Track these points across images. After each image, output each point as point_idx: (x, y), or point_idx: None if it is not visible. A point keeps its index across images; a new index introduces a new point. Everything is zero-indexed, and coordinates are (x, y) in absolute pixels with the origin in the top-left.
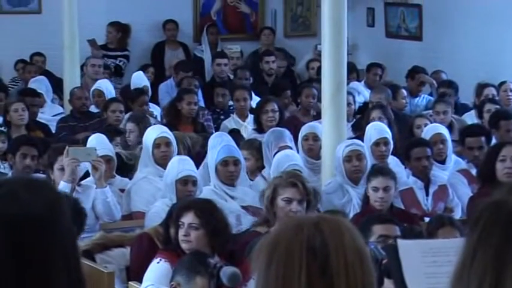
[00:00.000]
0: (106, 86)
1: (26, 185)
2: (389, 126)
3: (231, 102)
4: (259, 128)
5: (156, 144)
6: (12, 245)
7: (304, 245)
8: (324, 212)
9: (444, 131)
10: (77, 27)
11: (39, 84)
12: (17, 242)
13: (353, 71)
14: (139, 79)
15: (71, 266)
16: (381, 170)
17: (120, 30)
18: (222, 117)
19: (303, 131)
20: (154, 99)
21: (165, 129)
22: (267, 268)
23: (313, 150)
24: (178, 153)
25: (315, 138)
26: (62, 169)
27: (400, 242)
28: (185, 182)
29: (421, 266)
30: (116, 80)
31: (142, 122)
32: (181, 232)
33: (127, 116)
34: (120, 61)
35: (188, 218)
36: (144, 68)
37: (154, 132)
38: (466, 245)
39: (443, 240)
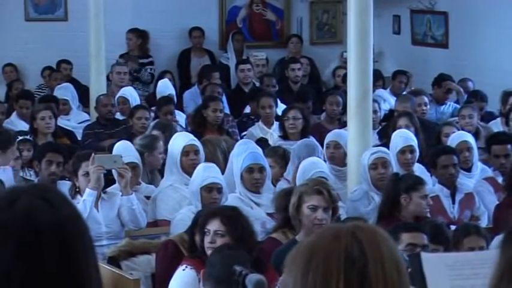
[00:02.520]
0: (131, 93)
1: (44, 189)
2: (416, 134)
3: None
4: (285, 135)
5: (185, 152)
6: (59, 246)
7: (342, 254)
8: (345, 219)
9: (470, 138)
10: (103, 35)
11: (65, 91)
12: (63, 242)
13: (379, 79)
14: (165, 87)
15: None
16: None
17: (140, 37)
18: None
19: (326, 139)
20: (179, 107)
21: (193, 136)
22: (304, 277)
23: (335, 158)
24: (216, 158)
25: (336, 146)
26: (86, 175)
27: (424, 255)
28: (210, 190)
29: (446, 279)
30: (144, 88)
31: (168, 130)
32: (207, 239)
33: (153, 123)
34: (150, 69)
35: (214, 225)
36: (162, 75)
37: (182, 139)
38: (503, 257)
39: (468, 253)
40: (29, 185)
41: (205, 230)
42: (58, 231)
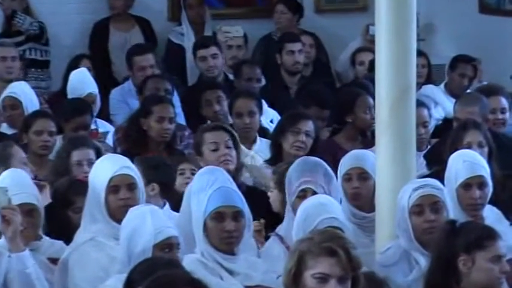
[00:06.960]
0: (24, 91)
1: None
2: (489, 157)
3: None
4: (278, 159)
5: (112, 187)
6: None
7: None
8: None
9: None
10: None
11: None
12: None
13: (423, 68)
14: (80, 82)
15: None
16: None
17: None
18: None
19: (344, 165)
20: (103, 113)
21: (126, 162)
22: None
23: (360, 196)
24: None
25: (363, 175)
26: None
27: None
28: (167, 247)
29: None
30: (43, 74)
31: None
32: None
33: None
34: (36, 51)
35: None
36: (76, 62)
37: (109, 167)
38: None
39: None
40: None
41: None
42: None
